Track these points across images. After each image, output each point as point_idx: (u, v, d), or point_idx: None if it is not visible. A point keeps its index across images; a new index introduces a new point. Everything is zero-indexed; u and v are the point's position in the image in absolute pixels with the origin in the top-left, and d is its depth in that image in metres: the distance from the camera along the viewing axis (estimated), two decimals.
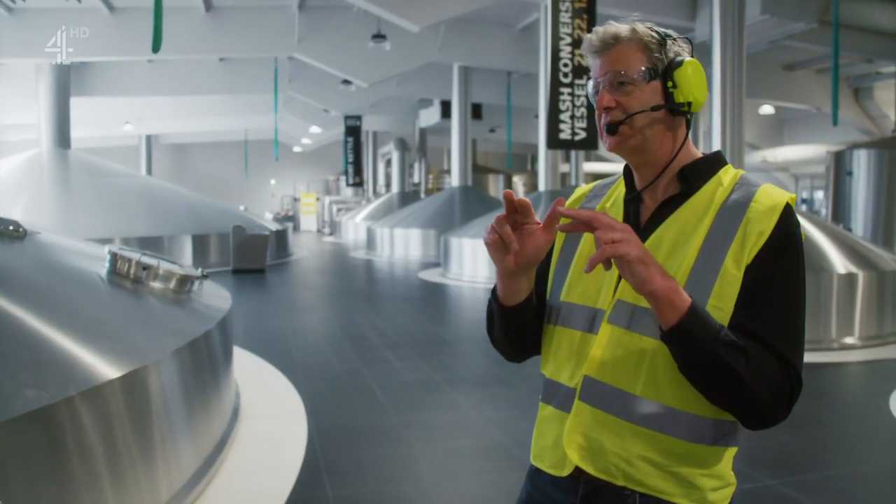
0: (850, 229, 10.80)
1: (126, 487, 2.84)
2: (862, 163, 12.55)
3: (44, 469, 2.41)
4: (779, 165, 23.33)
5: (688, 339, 1.20)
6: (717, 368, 1.20)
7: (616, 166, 32.23)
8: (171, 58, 17.48)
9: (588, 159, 30.08)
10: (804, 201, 26.31)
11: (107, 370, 2.80)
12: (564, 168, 25.77)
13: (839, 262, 7.35)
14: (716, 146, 8.10)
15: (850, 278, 7.28)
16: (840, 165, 12.92)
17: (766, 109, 22.53)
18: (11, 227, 3.91)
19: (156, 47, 8.11)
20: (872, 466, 4.32)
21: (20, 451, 2.31)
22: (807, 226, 7.85)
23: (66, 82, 16.36)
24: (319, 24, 15.82)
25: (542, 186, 13.98)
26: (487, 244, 1.31)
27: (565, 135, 10.20)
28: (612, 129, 1.35)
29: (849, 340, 7.28)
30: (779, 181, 25.50)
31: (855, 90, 21.00)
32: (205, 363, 3.90)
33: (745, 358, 1.20)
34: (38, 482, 2.38)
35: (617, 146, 1.37)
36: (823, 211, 19.52)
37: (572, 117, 10.16)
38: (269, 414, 5.02)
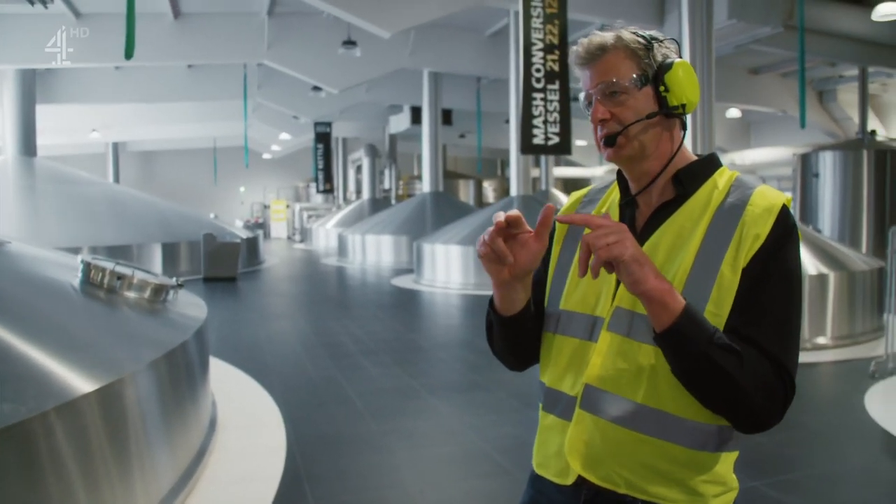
0: (819, 230, 10.96)
1: (103, 502, 2.77)
2: (828, 164, 12.76)
3: (18, 484, 2.34)
4: (746, 168, 23.62)
5: (681, 342, 1.19)
6: (711, 372, 1.19)
7: (586, 171, 32.47)
8: (138, 64, 17.24)
9: (558, 164, 30.27)
10: None
11: (82, 384, 2.73)
12: (535, 173, 25.93)
13: (810, 264, 7.45)
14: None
15: (821, 279, 7.38)
16: (806, 167, 13.13)
17: (733, 113, 22.85)
18: None
19: (128, 54, 7.99)
20: (850, 465, 4.37)
21: None
22: None
23: (32, 89, 16.09)
24: (289, 31, 15.73)
25: (513, 191, 14.03)
26: (481, 257, 1.30)
27: (539, 140, 10.23)
28: (610, 141, 1.34)
29: (821, 340, 7.38)
30: None
31: (819, 93, 21.37)
32: (182, 374, 3.83)
33: (739, 361, 1.19)
34: (13, 498, 2.31)
35: (615, 157, 1.36)
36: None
37: (545, 122, 10.19)
38: (246, 424, 4.95)
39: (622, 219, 1.42)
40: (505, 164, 35.17)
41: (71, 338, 3.21)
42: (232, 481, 3.88)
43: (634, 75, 1.32)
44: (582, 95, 1.39)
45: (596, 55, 1.34)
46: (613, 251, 1.16)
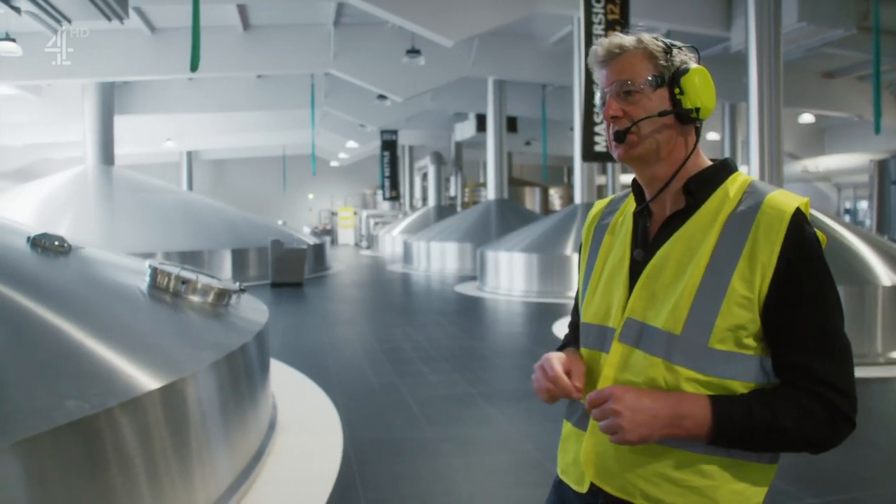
0: (895, 240, 10.57)
1: (164, 497, 2.88)
2: None
3: (85, 478, 2.46)
4: (820, 175, 22.92)
5: (733, 437, 1.23)
6: (771, 439, 1.23)
7: None
8: (210, 76, 17.81)
9: (625, 171, 29.92)
10: (847, 212, 25.82)
11: (146, 382, 2.85)
12: (601, 180, 25.65)
13: (884, 274, 7.19)
14: (753, 156, 7.99)
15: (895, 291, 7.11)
16: (884, 174, 12.70)
17: (806, 118, 22.17)
18: (56, 243, 4.01)
19: (194, 66, 8.29)
20: None
21: (62, 461, 2.36)
22: (850, 237, 7.70)
23: (110, 101, 16.77)
24: (354, 40, 16.01)
25: (577, 199, 13.95)
26: (537, 391, 1.40)
27: (600, 147, 10.16)
28: (620, 136, 1.34)
29: (895, 355, 7.11)
30: (820, 191, 25.07)
31: None
32: (241, 376, 3.94)
33: (782, 412, 1.22)
34: (79, 491, 2.43)
35: (625, 154, 1.36)
36: (868, 221, 19.12)
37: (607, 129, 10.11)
38: (305, 426, 5.06)
39: (635, 228, 1.42)
40: (571, 171, 34.91)
41: (137, 338, 3.35)
42: (287, 482, 3.97)
43: (650, 76, 1.33)
44: (598, 94, 1.41)
45: (614, 54, 1.35)
46: (623, 436, 1.22)
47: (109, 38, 14.44)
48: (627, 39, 1.36)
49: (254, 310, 5.00)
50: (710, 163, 1.39)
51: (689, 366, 1.25)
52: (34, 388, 2.52)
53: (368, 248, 32.05)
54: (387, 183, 30.21)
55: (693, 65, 1.34)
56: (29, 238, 3.94)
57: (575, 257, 11.97)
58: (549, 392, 1.36)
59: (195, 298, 4.22)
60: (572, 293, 11.70)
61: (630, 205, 1.48)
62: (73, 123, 18.36)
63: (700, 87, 1.32)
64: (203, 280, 4.31)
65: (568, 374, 1.35)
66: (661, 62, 1.33)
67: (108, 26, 12.66)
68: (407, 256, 20.64)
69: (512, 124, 22.43)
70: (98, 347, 2.95)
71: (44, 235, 4.00)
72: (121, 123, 18.32)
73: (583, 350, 1.45)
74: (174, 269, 4.22)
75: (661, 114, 1.32)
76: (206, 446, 3.32)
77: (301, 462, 4.31)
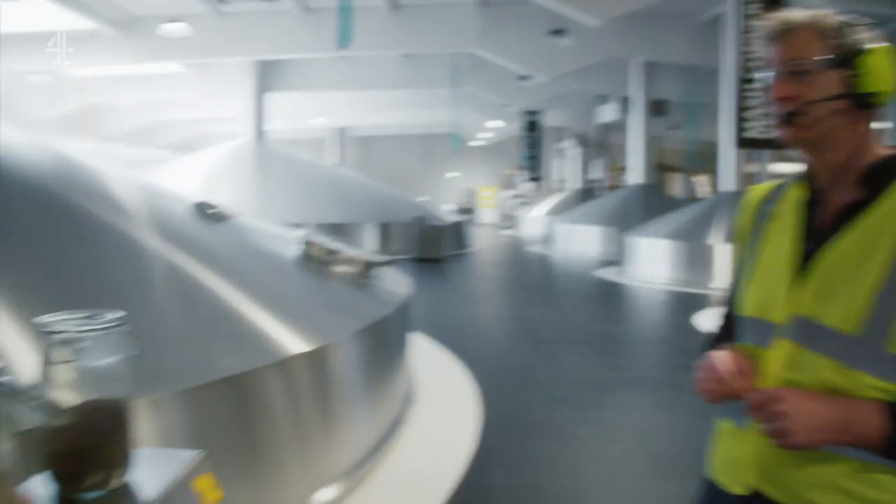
0: None
1: (308, 454, 3.02)
2: None
3: (236, 428, 2.63)
4: None
5: None
6: None
7: None
8: (358, 54, 18.26)
9: (779, 160, 28.31)
10: None
11: (295, 345, 2.99)
12: (752, 168, 24.41)
13: None
14: None
15: None
16: None
17: None
18: (214, 211, 4.25)
19: (343, 43, 8.58)
20: None
21: (217, 411, 2.52)
22: None
23: (264, 79, 17.65)
24: (499, 20, 15.96)
25: (721, 187, 13.32)
26: (700, 391, 1.34)
27: (753, 133, 9.65)
28: (789, 119, 1.25)
29: None
30: None
31: None
32: (383, 346, 4.06)
33: None
34: (231, 439, 2.59)
35: (794, 138, 1.26)
36: None
37: (765, 114, 9.59)
38: (442, 399, 5.13)
39: (804, 218, 1.32)
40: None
41: (287, 304, 3.50)
42: (424, 452, 4.05)
43: (823, 56, 1.22)
44: (766, 73, 1.30)
45: (785, 31, 1.26)
46: (790, 440, 1.14)
47: (267, 19, 15.17)
48: (798, 15, 1.26)
49: (397, 282, 5.12)
50: (888, 151, 1.27)
51: (869, 370, 1.15)
52: (195, 343, 2.70)
53: (509, 227, 32.11)
54: (529, 164, 30.07)
55: (871, 44, 1.23)
56: (196, 205, 4.19)
57: (720, 247, 11.50)
58: (715, 393, 1.30)
59: (342, 269, 4.37)
60: (716, 284, 11.23)
61: (794, 193, 1.37)
62: (231, 99, 19.39)
63: (878, 69, 1.20)
64: (350, 252, 4.45)
65: (735, 373, 1.28)
66: (836, 41, 1.23)
67: (265, 6, 13.32)
68: (547, 238, 20.51)
69: (660, 107, 21.68)
70: (251, 310, 3.11)
71: (204, 203, 4.25)
72: (271, 100, 19.22)
73: (738, 344, 1.37)
74: (323, 241, 4.38)
75: (835, 97, 1.22)
76: (348, 410, 3.44)
77: (437, 433, 4.38)
